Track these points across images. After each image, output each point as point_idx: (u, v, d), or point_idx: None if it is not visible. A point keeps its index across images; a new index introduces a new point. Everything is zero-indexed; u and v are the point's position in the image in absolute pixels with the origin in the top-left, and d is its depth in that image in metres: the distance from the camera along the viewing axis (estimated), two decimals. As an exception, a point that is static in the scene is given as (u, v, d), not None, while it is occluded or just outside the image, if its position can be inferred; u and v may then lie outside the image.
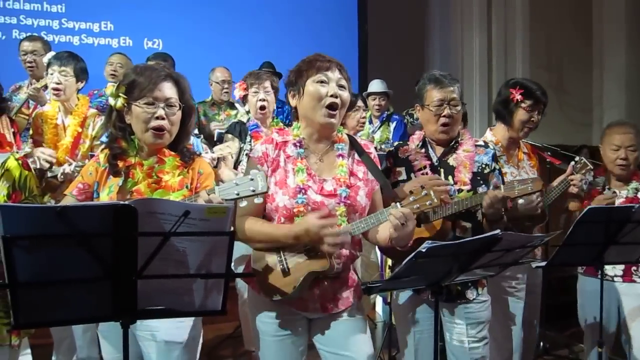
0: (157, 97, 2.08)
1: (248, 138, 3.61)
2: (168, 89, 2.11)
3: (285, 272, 2.08)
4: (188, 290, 1.69)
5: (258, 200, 1.96)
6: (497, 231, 1.92)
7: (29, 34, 5.49)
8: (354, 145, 2.26)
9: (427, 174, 2.49)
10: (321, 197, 2.11)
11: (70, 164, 3.31)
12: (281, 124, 3.81)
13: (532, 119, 3.02)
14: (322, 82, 2.10)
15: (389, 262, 4.22)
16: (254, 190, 1.90)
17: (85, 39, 6.07)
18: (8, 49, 5.04)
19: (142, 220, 1.52)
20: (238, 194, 1.91)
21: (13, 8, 5.87)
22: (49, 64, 3.56)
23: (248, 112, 3.87)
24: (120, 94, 2.10)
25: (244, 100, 3.72)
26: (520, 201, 2.49)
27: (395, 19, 7.22)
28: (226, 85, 5.06)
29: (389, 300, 4.34)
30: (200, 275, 1.66)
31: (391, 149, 2.73)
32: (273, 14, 6.62)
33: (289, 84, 2.20)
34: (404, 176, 2.54)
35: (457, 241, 1.92)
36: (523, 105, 3.00)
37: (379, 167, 2.29)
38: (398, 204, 2.07)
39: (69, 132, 3.56)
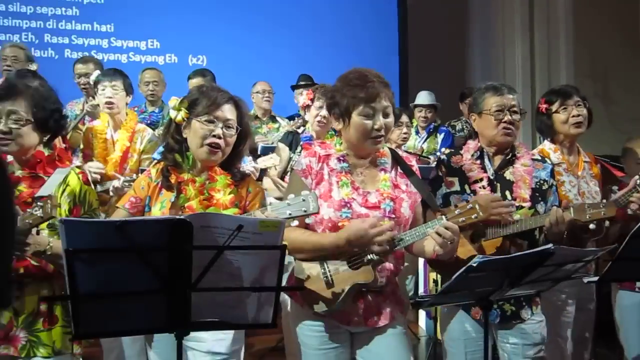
0: (217, 116, 2.15)
1: (299, 149, 3.63)
2: (229, 111, 2.18)
3: (329, 284, 2.09)
4: (240, 303, 1.72)
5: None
6: (550, 245, 1.88)
7: (80, 53, 5.74)
8: (396, 159, 2.27)
9: (484, 187, 2.43)
10: (366, 210, 2.12)
11: (119, 179, 3.41)
12: (336, 138, 3.85)
13: (572, 114, 2.88)
14: (368, 115, 2.10)
15: (433, 276, 4.19)
16: (305, 211, 1.93)
17: (133, 57, 6.28)
18: (61, 68, 5.23)
19: (197, 234, 1.56)
20: (290, 214, 1.94)
21: (65, 29, 6.12)
22: (97, 82, 3.68)
23: (302, 120, 3.88)
24: (182, 108, 2.17)
25: (305, 108, 3.71)
26: (592, 226, 2.33)
27: (435, 31, 7.19)
28: (267, 95, 5.14)
29: (433, 315, 4.30)
30: (252, 288, 1.69)
31: (442, 157, 2.63)
32: (314, 28, 6.68)
33: (333, 105, 2.19)
34: (457, 187, 2.47)
35: (508, 255, 1.89)
36: (553, 109, 2.91)
37: (421, 179, 2.27)
38: (444, 217, 2.06)
39: (117, 146, 3.67)
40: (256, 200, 2.23)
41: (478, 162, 2.51)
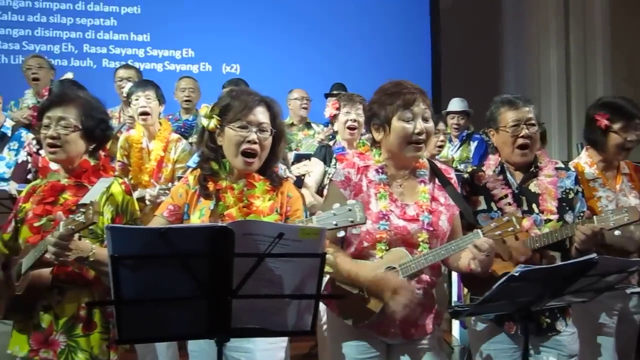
0: (250, 121, 2.11)
1: (333, 161, 3.63)
2: (261, 114, 2.14)
3: (365, 298, 2.08)
4: (279, 310, 1.72)
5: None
6: (593, 255, 1.84)
7: (117, 62, 5.88)
8: (435, 171, 2.25)
9: (510, 204, 2.39)
10: (404, 222, 2.11)
11: (154, 187, 3.47)
12: (367, 145, 3.83)
13: (630, 139, 2.76)
14: (408, 120, 2.10)
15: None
16: (352, 221, 1.90)
17: (168, 66, 6.40)
18: (99, 77, 5.37)
19: (238, 241, 1.57)
20: (336, 224, 1.92)
21: (103, 39, 6.28)
22: (130, 93, 3.76)
23: (335, 132, 3.90)
24: (214, 115, 2.15)
25: (333, 119, 3.73)
26: (617, 232, 2.29)
27: (468, 37, 7.13)
28: (305, 101, 5.15)
29: (467, 324, 4.23)
30: (292, 295, 1.69)
31: (465, 175, 2.62)
32: (347, 35, 6.71)
33: (372, 116, 2.19)
34: (483, 205, 2.44)
35: (551, 265, 1.86)
36: (614, 128, 2.77)
37: (459, 192, 2.26)
38: (479, 231, 2.04)
39: (152, 156, 3.73)
40: (297, 205, 2.19)
41: (500, 177, 2.47)
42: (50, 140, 2.15)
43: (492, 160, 2.54)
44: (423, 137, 2.11)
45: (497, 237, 2.01)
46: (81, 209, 1.92)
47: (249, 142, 2.11)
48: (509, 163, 2.50)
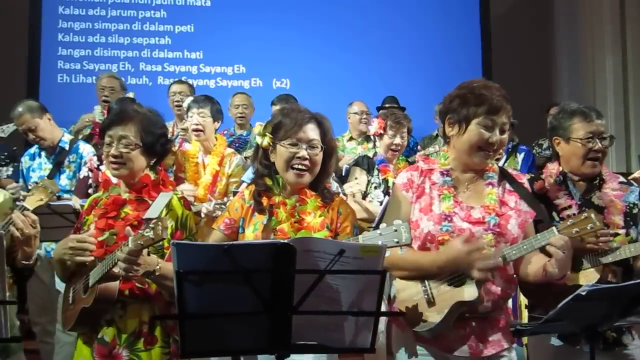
0: (300, 138, 2.16)
1: (375, 171, 3.68)
2: (311, 131, 2.19)
3: (431, 302, 2.03)
4: (339, 327, 1.73)
5: None
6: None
7: (171, 79, 6.05)
8: (505, 175, 2.19)
9: (574, 215, 2.28)
10: (468, 225, 2.06)
11: (210, 202, 3.55)
12: (406, 161, 3.91)
13: None
14: (487, 127, 2.05)
15: (525, 301, 4.01)
16: (397, 242, 1.89)
17: (220, 82, 6.55)
18: (155, 94, 5.56)
19: (299, 258, 1.58)
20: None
21: (158, 57, 6.51)
22: (188, 108, 3.87)
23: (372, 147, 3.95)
24: (267, 134, 2.21)
25: (378, 137, 3.78)
26: None
27: (519, 46, 7.01)
28: (365, 116, 5.15)
29: (524, 342, 4.11)
30: (352, 312, 1.69)
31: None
32: (397, 47, 6.70)
33: (449, 109, 2.12)
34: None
35: (620, 284, 1.79)
36: None
37: (534, 197, 2.19)
38: (554, 228, 1.95)
39: (208, 170, 3.82)
40: (347, 222, 2.21)
41: (562, 187, 2.41)
42: (112, 159, 2.23)
43: (552, 169, 2.47)
44: (495, 147, 2.07)
45: (574, 235, 1.91)
46: (150, 225, 1.97)
47: (299, 158, 2.15)
48: (574, 174, 2.43)
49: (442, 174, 2.14)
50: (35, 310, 3.71)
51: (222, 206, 3.57)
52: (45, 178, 3.55)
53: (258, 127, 2.27)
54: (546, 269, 1.96)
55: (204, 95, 4.06)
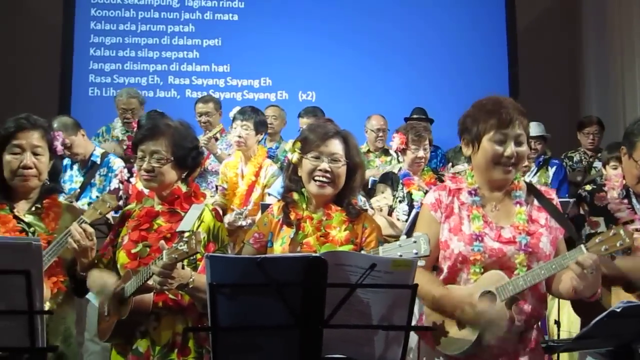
0: (322, 151, 2.24)
1: (400, 186, 3.71)
2: (335, 145, 2.26)
3: (461, 324, 2.01)
4: (369, 341, 1.73)
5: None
6: None
7: (199, 92, 6.16)
8: (533, 192, 2.16)
9: (637, 230, 2.23)
10: (499, 245, 2.04)
11: (232, 213, 3.60)
12: (432, 171, 3.91)
13: None
14: (499, 141, 2.04)
15: (554, 316, 3.95)
16: (416, 253, 1.90)
17: (247, 95, 6.62)
18: (183, 107, 5.63)
19: (330, 271, 1.59)
20: (401, 256, 1.92)
21: (186, 70, 6.60)
22: (234, 119, 3.96)
23: (395, 163, 3.97)
24: (296, 149, 2.29)
25: (401, 152, 3.81)
26: None
27: (546, 58, 6.94)
28: (381, 134, 5.16)
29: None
30: (383, 326, 1.69)
31: (584, 194, 2.48)
32: (423, 60, 6.68)
33: (464, 130, 2.15)
34: (602, 227, 2.32)
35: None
36: None
37: (563, 213, 2.15)
38: (583, 246, 1.90)
39: (244, 180, 3.90)
40: (372, 237, 2.25)
41: (625, 201, 2.35)
42: (144, 173, 2.28)
43: (616, 182, 2.41)
44: (513, 160, 2.04)
45: (603, 253, 1.86)
46: (184, 238, 1.99)
47: (320, 170, 2.22)
48: (635, 190, 2.37)
49: (470, 193, 2.13)
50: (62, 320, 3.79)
51: (240, 216, 3.63)
52: (105, 193, 3.64)
53: (289, 144, 2.35)
54: (573, 286, 1.91)
55: (250, 106, 4.14)
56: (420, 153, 3.72)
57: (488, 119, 2.05)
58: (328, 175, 2.22)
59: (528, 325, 2.04)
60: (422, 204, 2.24)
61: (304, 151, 2.27)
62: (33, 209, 2.33)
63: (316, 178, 2.22)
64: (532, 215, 2.11)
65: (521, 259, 2.01)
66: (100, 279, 2.28)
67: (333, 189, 2.25)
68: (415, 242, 1.92)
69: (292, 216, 2.27)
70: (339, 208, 2.27)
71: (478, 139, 2.07)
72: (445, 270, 2.10)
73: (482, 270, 2.03)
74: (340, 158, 2.24)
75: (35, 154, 2.29)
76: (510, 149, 2.03)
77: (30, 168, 2.28)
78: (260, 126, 3.95)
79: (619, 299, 2.13)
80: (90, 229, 2.24)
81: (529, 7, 7.06)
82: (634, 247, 1.99)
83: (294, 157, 2.29)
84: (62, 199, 3.77)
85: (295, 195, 2.32)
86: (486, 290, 2.00)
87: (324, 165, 2.22)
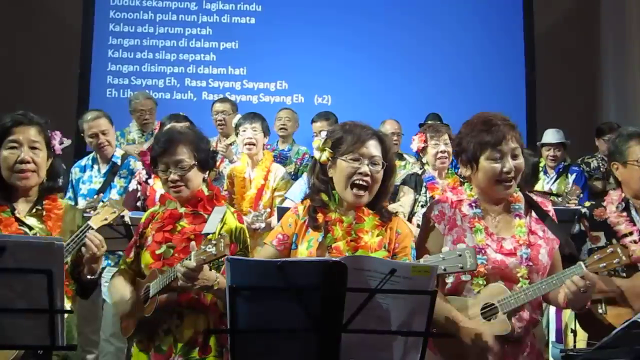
0: (363, 153, 2.11)
1: (423, 190, 3.65)
2: (373, 147, 2.13)
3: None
4: (387, 346, 1.72)
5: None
6: None
7: (216, 95, 6.19)
8: (531, 204, 2.20)
9: (636, 242, 2.30)
10: (501, 256, 2.07)
11: (249, 215, 3.60)
12: (456, 175, 3.81)
13: None
14: (495, 159, 2.07)
15: (571, 325, 3.92)
16: (462, 267, 1.87)
17: (263, 98, 6.65)
18: (199, 109, 5.67)
19: (350, 276, 1.59)
20: (445, 270, 1.89)
21: (203, 73, 6.64)
22: (239, 124, 3.97)
23: (423, 164, 3.92)
24: (326, 148, 2.16)
25: (422, 152, 3.77)
26: None
27: (564, 64, 6.88)
28: (395, 138, 5.15)
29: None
30: (402, 332, 1.68)
31: (583, 210, 2.54)
32: (437, 66, 6.68)
33: (460, 151, 2.16)
34: (603, 242, 2.37)
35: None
36: None
37: (557, 224, 2.18)
38: (582, 263, 1.95)
39: (253, 184, 3.91)
40: (406, 242, 2.17)
41: (624, 214, 2.39)
42: (172, 184, 2.29)
43: (614, 196, 2.47)
44: (512, 175, 2.07)
45: (601, 270, 1.92)
46: (212, 241, 2.01)
47: (360, 174, 2.10)
48: (636, 199, 2.41)
49: (470, 205, 2.15)
50: (78, 320, 3.80)
51: (259, 218, 3.63)
52: (112, 197, 3.66)
53: (317, 142, 2.21)
54: (565, 298, 1.98)
55: (252, 112, 4.16)
56: (441, 147, 3.61)
57: (482, 138, 2.08)
58: (367, 179, 2.09)
59: (526, 331, 2.09)
60: (424, 215, 2.25)
61: (339, 152, 2.13)
62: (34, 210, 2.26)
63: (356, 182, 2.09)
64: (531, 227, 2.15)
65: (523, 272, 2.06)
66: (122, 290, 2.31)
67: (369, 196, 2.13)
68: (460, 255, 1.88)
69: (320, 219, 2.14)
70: (371, 212, 2.16)
71: (475, 160, 2.10)
72: (449, 282, 2.11)
73: (486, 282, 2.07)
74: (379, 161, 2.12)
75: (32, 149, 2.20)
76: (508, 164, 2.06)
77: (28, 162, 2.17)
78: (267, 129, 4.00)
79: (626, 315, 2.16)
80: (100, 237, 2.18)
81: (547, 11, 7.01)
82: (631, 260, 2.01)
83: (324, 156, 2.15)
84: (84, 202, 3.82)
85: (324, 197, 2.17)
86: (488, 303, 2.04)
87: (365, 168, 2.08)
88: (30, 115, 2.28)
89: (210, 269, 2.10)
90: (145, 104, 5.07)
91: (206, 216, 2.29)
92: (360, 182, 2.11)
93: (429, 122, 5.34)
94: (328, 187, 2.18)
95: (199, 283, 2.05)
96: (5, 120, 2.23)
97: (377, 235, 2.13)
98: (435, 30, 6.76)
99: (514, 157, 2.08)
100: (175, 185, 2.29)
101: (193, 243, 2.10)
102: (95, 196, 3.88)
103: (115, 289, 2.35)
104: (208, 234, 2.10)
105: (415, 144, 3.75)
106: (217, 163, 2.56)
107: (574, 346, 3.32)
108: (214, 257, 1.99)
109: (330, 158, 2.15)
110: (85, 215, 2.43)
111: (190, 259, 2.01)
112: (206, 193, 2.37)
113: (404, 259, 2.10)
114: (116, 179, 4.02)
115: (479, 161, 2.09)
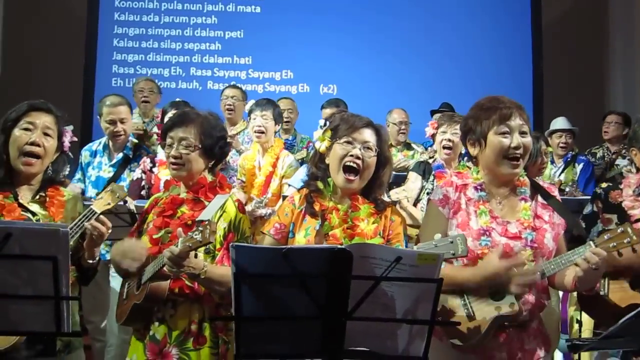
0: (355, 138, 2.19)
1: (431, 177, 3.63)
2: (368, 134, 2.22)
3: (471, 317, 2.04)
4: (392, 334, 1.72)
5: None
6: None
7: (221, 84, 6.18)
8: (537, 189, 2.20)
9: None
10: (506, 239, 2.07)
11: (251, 203, 3.60)
12: (467, 167, 3.79)
13: None
14: (504, 133, 2.08)
15: (577, 316, 3.91)
16: (453, 254, 1.89)
17: (268, 87, 6.64)
18: (205, 99, 5.65)
19: (355, 264, 1.59)
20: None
21: (208, 62, 6.64)
22: (251, 111, 3.96)
23: (435, 152, 3.90)
24: (326, 137, 2.24)
25: (433, 138, 3.75)
26: None
27: (572, 54, 6.83)
28: (403, 127, 5.12)
29: (576, 358, 3.99)
30: (406, 320, 1.68)
31: (599, 191, 2.51)
32: (444, 54, 6.65)
33: (467, 131, 2.19)
34: (614, 225, 2.35)
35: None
36: None
37: (565, 207, 2.19)
38: (592, 242, 1.95)
39: (262, 171, 3.91)
40: (398, 229, 2.23)
41: None
42: (173, 160, 2.29)
43: (633, 179, 2.44)
44: (520, 151, 2.08)
45: (611, 249, 1.91)
46: (199, 227, 2.01)
47: (351, 156, 2.17)
48: None
49: (476, 189, 2.16)
50: (88, 309, 3.81)
51: (260, 205, 3.63)
52: (114, 183, 3.65)
53: (318, 133, 2.30)
54: (574, 279, 1.99)
55: (266, 99, 4.15)
56: (448, 135, 3.56)
57: (489, 115, 2.10)
58: (359, 162, 2.16)
59: (532, 315, 2.10)
60: (429, 200, 2.25)
61: (334, 137, 2.22)
62: (37, 197, 2.27)
63: (347, 163, 2.16)
64: (537, 211, 2.15)
65: (528, 255, 2.06)
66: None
67: (360, 182, 2.20)
68: (451, 242, 1.91)
69: (317, 206, 2.22)
70: (367, 201, 2.23)
71: (484, 136, 2.11)
72: (455, 265, 2.11)
73: None
74: (372, 147, 2.19)
75: (45, 135, 2.22)
76: (517, 139, 2.07)
77: (38, 145, 2.19)
78: (278, 117, 3.96)
79: (627, 296, 2.17)
80: (108, 223, 2.19)
81: (555, 2, 6.96)
82: None
83: (323, 146, 2.24)
84: (92, 191, 3.82)
85: (320, 184, 2.26)
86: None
87: (356, 151, 2.16)
88: (49, 105, 2.31)
89: (196, 256, 2.08)
90: (145, 84, 5.08)
91: (207, 203, 2.27)
92: (351, 164, 2.16)
93: (441, 109, 5.33)
94: (325, 175, 2.26)
95: (185, 270, 2.05)
96: (23, 105, 2.27)
97: (373, 223, 2.19)
98: (442, 21, 6.72)
99: (522, 134, 2.08)
100: (174, 162, 2.28)
101: (180, 229, 2.10)
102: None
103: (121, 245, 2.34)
104: (202, 221, 2.08)
105: (429, 130, 3.73)
106: (227, 153, 2.52)
107: (579, 336, 3.33)
108: (199, 244, 1.98)
109: (328, 147, 2.23)
110: (86, 203, 2.44)
111: (177, 245, 2.01)
112: (209, 180, 2.35)
113: (396, 244, 2.14)
114: (126, 172, 3.98)
115: (487, 137, 2.10)
